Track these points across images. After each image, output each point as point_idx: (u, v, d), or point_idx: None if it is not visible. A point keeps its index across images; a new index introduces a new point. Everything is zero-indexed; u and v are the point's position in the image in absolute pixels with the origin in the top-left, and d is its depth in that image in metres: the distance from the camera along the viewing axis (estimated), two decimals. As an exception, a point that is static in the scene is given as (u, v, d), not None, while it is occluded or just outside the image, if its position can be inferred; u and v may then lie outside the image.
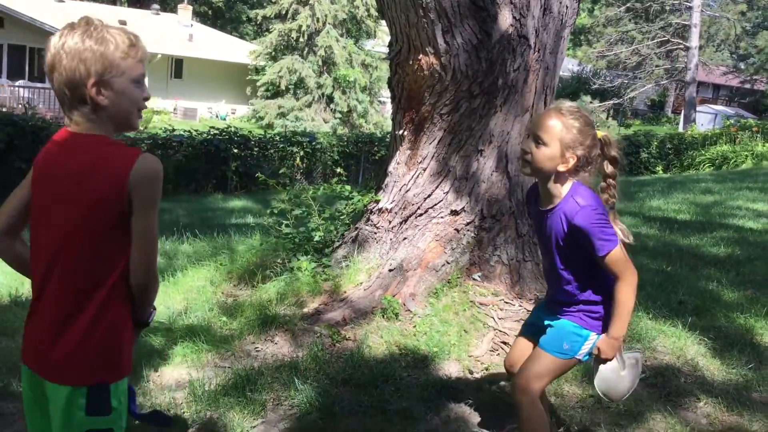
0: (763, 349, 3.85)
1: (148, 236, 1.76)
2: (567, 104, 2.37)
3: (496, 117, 4.35)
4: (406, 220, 4.46)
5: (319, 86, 30.79)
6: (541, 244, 2.58)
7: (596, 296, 2.44)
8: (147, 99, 1.83)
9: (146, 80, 1.87)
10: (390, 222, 4.53)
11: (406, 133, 4.52)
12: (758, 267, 5.39)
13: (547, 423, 2.58)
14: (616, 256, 2.27)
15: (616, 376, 2.46)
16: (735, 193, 9.61)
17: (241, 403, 3.10)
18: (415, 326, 4.00)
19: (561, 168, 2.30)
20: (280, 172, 12.25)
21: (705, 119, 32.18)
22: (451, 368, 3.60)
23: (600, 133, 2.37)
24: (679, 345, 3.84)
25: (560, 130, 2.27)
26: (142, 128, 17.63)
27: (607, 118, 34.38)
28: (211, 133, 14.63)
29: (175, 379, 3.38)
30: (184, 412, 3.06)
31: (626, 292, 2.29)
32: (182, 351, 3.60)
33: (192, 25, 36.28)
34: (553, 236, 2.39)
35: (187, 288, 4.39)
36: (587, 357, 2.49)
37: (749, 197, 9.21)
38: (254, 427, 2.99)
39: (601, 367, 2.45)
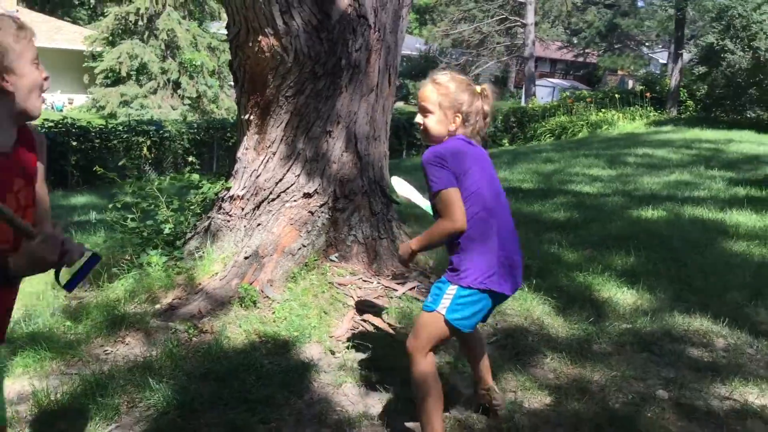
0: (601, 304, 4.15)
1: None
2: (439, 73, 2.62)
3: (342, 97, 4.36)
4: (258, 206, 4.38)
5: (164, 71, 29.40)
6: None
7: (456, 250, 2.53)
8: (47, 79, 1.83)
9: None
10: (243, 209, 4.43)
11: (252, 117, 4.43)
12: (594, 228, 5.81)
13: (434, 382, 2.58)
14: (445, 197, 2.43)
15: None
16: (573, 161, 10.28)
17: (92, 410, 2.93)
18: (274, 312, 3.96)
19: (452, 128, 2.54)
20: (120, 163, 11.59)
21: (544, 92, 34.15)
22: (312, 351, 3.59)
23: (478, 88, 2.60)
24: (526, 306, 4.06)
25: (437, 96, 2.53)
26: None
27: (455, 95, 35.41)
28: (46, 125, 13.61)
29: (17, 391, 3.13)
30: (29, 426, 2.84)
31: (440, 227, 2.45)
32: (23, 362, 3.34)
33: (18, 10, 33.40)
34: None
35: (26, 293, 4.07)
36: (452, 315, 2.50)
37: (585, 164, 9.90)
38: (108, 433, 2.84)
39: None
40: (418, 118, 2.60)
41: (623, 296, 4.26)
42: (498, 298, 2.55)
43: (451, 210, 2.41)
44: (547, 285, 4.36)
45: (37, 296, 4.05)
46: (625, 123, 17.87)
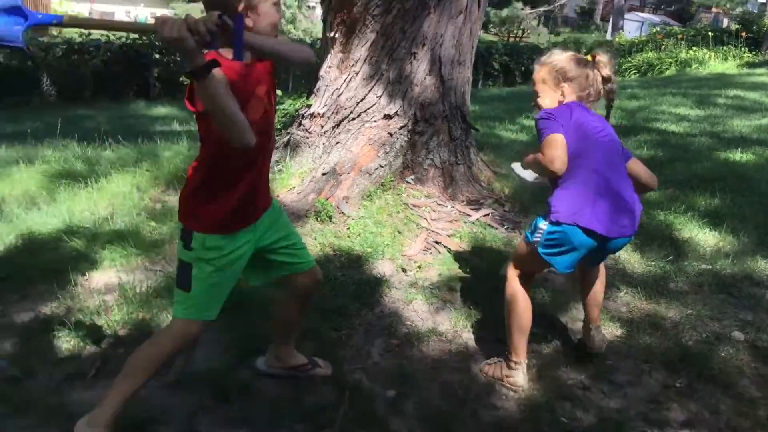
0: (680, 243, 4.05)
1: None
2: (544, 55, 2.74)
3: (429, 19, 4.26)
4: (338, 125, 4.40)
5: (243, -9, 29.35)
6: None
7: (552, 192, 2.58)
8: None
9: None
10: (322, 126, 4.46)
11: (337, 35, 4.40)
12: (679, 168, 5.60)
13: (523, 304, 2.71)
14: (549, 139, 2.46)
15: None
16: (659, 99, 9.85)
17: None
18: (348, 228, 4.03)
19: (561, 98, 2.64)
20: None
21: (632, 27, 32.50)
22: (384, 267, 3.65)
23: (590, 57, 2.70)
24: (602, 241, 3.99)
25: (541, 75, 2.67)
26: (55, 33, 16.55)
27: (537, 25, 34.32)
28: (131, 37, 13.87)
29: (104, 282, 3.32)
30: (115, 314, 3.02)
31: (542, 163, 2.48)
32: (110, 255, 3.52)
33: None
34: None
35: (112, 194, 4.25)
36: (544, 250, 2.57)
37: (672, 102, 9.47)
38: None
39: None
40: (534, 96, 2.74)
41: (705, 237, 4.14)
42: (602, 240, 2.51)
43: (551, 151, 2.44)
44: (625, 221, 4.27)
45: (123, 196, 4.23)
46: (716, 63, 16.89)
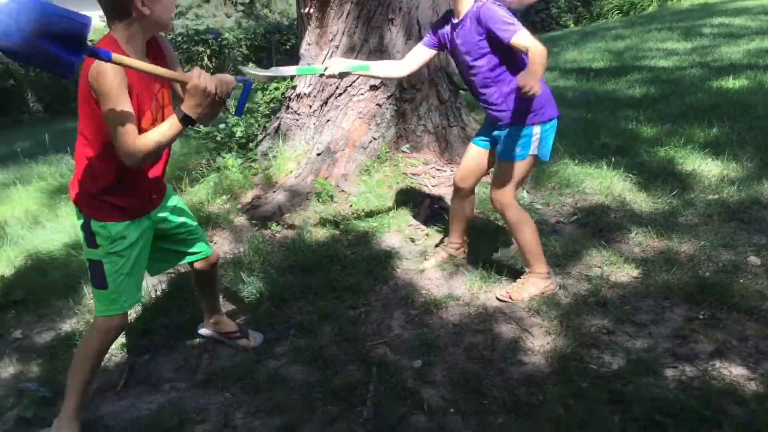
0: (685, 176, 4.02)
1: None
2: None
3: (403, -18, 4.20)
4: (326, 102, 4.36)
5: (214, -20, 28.99)
6: (460, 62, 2.86)
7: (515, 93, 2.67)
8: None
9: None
10: (310, 106, 4.42)
11: (312, 10, 4.33)
12: (672, 102, 5.56)
13: (528, 218, 2.98)
14: (524, 31, 2.54)
15: None
16: (645, 36, 9.74)
17: (191, 304, 3.07)
18: (351, 205, 4.01)
19: None
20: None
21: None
22: (393, 240, 3.64)
23: None
24: (606, 184, 3.97)
25: None
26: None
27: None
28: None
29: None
30: (135, 321, 3.01)
31: (539, 52, 2.48)
32: (120, 265, 3.50)
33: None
34: (466, 47, 2.74)
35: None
36: (542, 150, 2.82)
37: (659, 38, 9.37)
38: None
39: None
40: None
41: (708, 168, 4.11)
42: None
43: (534, 40, 2.52)
44: (627, 162, 4.24)
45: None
46: (697, -8, 16.73)
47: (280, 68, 2.91)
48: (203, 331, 2.88)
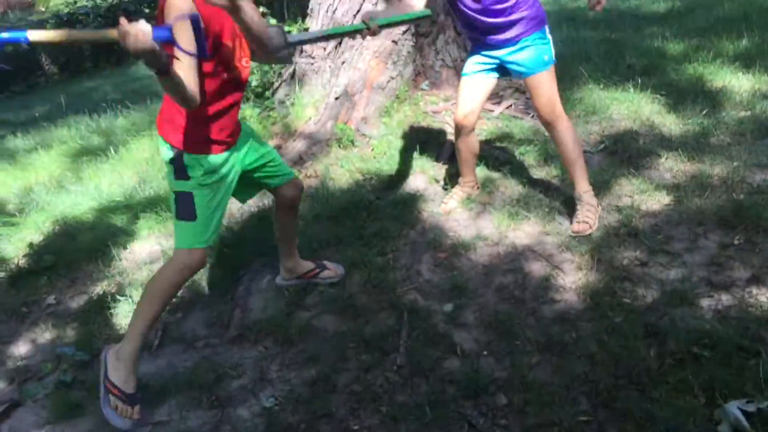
0: (715, 94, 3.88)
1: None
2: None
3: None
4: (340, 43, 4.25)
5: None
6: None
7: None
8: None
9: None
10: (324, 49, 4.31)
11: (319, -51, 4.18)
12: (699, 15, 5.34)
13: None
14: None
15: None
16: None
17: (220, 263, 3.09)
18: (373, 149, 3.95)
19: None
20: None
21: None
22: (417, 182, 3.59)
23: None
24: (633, 108, 3.85)
25: None
26: (42, 9, 16.24)
27: None
28: (117, -2, 13.53)
29: (147, 252, 3.33)
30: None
31: None
32: (147, 224, 3.52)
33: None
34: None
35: (135, 161, 4.23)
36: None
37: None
38: (236, 279, 3.00)
39: None
40: None
41: (739, 82, 3.96)
42: None
43: None
44: (654, 82, 4.10)
45: (146, 162, 4.20)
46: None
47: (314, 32, 2.85)
48: (281, 282, 2.89)
